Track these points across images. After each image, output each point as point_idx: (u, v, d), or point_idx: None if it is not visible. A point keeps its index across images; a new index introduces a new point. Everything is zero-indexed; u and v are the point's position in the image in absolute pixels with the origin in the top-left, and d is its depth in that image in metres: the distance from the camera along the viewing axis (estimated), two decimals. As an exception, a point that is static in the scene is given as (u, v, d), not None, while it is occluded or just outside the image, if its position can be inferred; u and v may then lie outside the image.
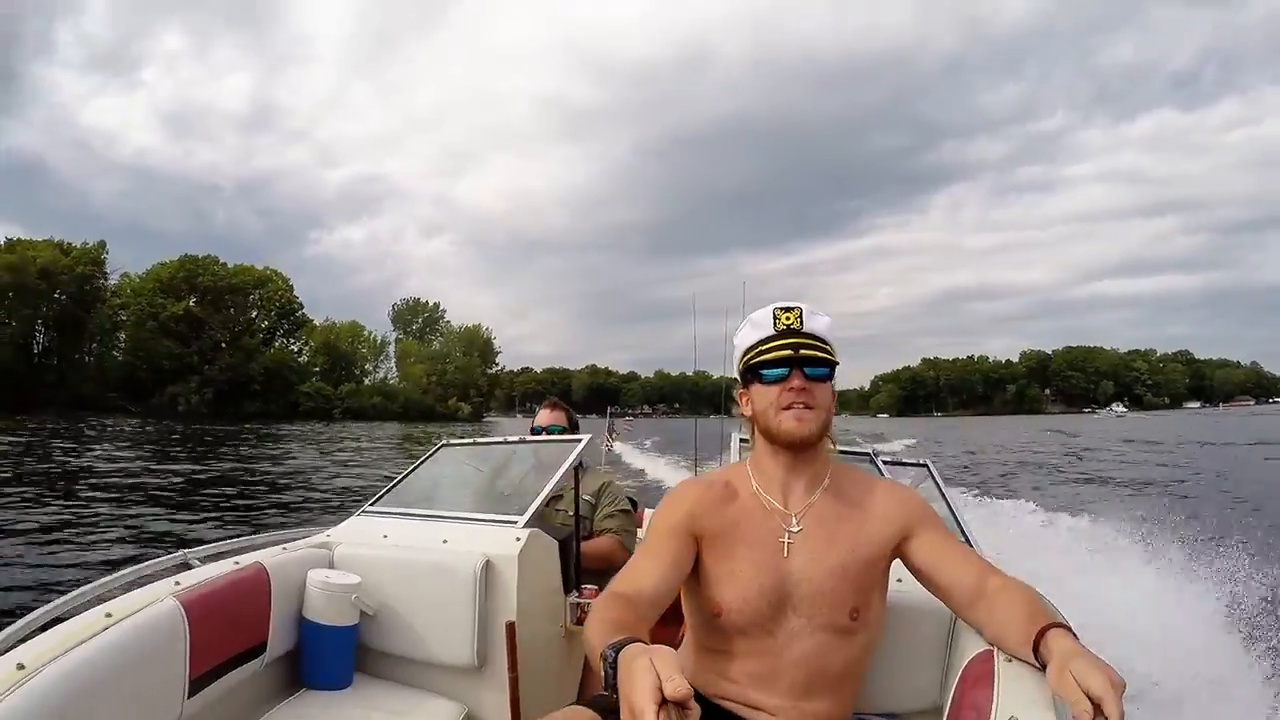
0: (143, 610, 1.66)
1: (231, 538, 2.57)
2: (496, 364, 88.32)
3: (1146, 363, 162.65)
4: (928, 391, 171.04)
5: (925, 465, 2.99)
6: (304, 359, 68.98)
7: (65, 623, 1.58)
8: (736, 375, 1.60)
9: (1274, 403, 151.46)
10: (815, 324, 1.51)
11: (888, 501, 1.54)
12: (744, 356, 1.54)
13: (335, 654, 2.22)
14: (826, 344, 1.50)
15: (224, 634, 1.89)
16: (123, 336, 56.88)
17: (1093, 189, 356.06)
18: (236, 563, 2.10)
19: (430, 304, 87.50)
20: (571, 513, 2.64)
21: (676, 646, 1.67)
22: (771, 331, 1.49)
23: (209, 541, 2.47)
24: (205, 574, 1.98)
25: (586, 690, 2.52)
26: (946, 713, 1.42)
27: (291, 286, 68.40)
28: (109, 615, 1.60)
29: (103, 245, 56.26)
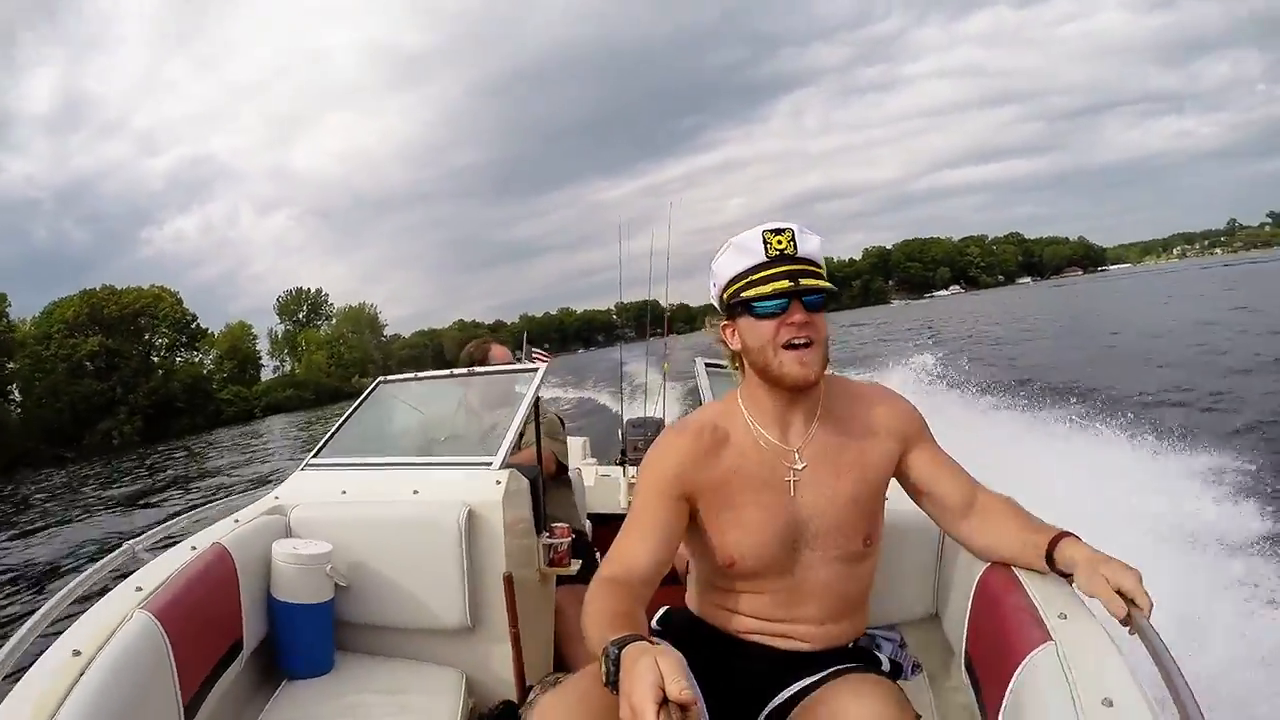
0: (115, 636, 1.38)
1: (171, 517, 2.26)
2: (384, 336, 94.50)
3: (979, 247, 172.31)
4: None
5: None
6: (211, 367, 72.41)
7: (29, 671, 1.28)
8: (715, 304, 1.46)
9: (1101, 271, 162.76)
10: (808, 246, 1.36)
11: (886, 415, 1.46)
12: (729, 286, 1.39)
13: (314, 636, 1.98)
14: (820, 268, 1.37)
15: (203, 638, 1.64)
16: (39, 385, 57.72)
17: (933, 84, 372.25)
18: (193, 547, 1.81)
19: (313, 291, 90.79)
20: (531, 446, 2.47)
21: (679, 604, 1.64)
22: (763, 258, 1.34)
23: (150, 526, 2.12)
24: (163, 568, 1.68)
25: (563, 641, 2.43)
26: (967, 620, 1.45)
27: (181, 300, 71.00)
28: (77, 653, 1.31)
29: (4, 298, 57.41)
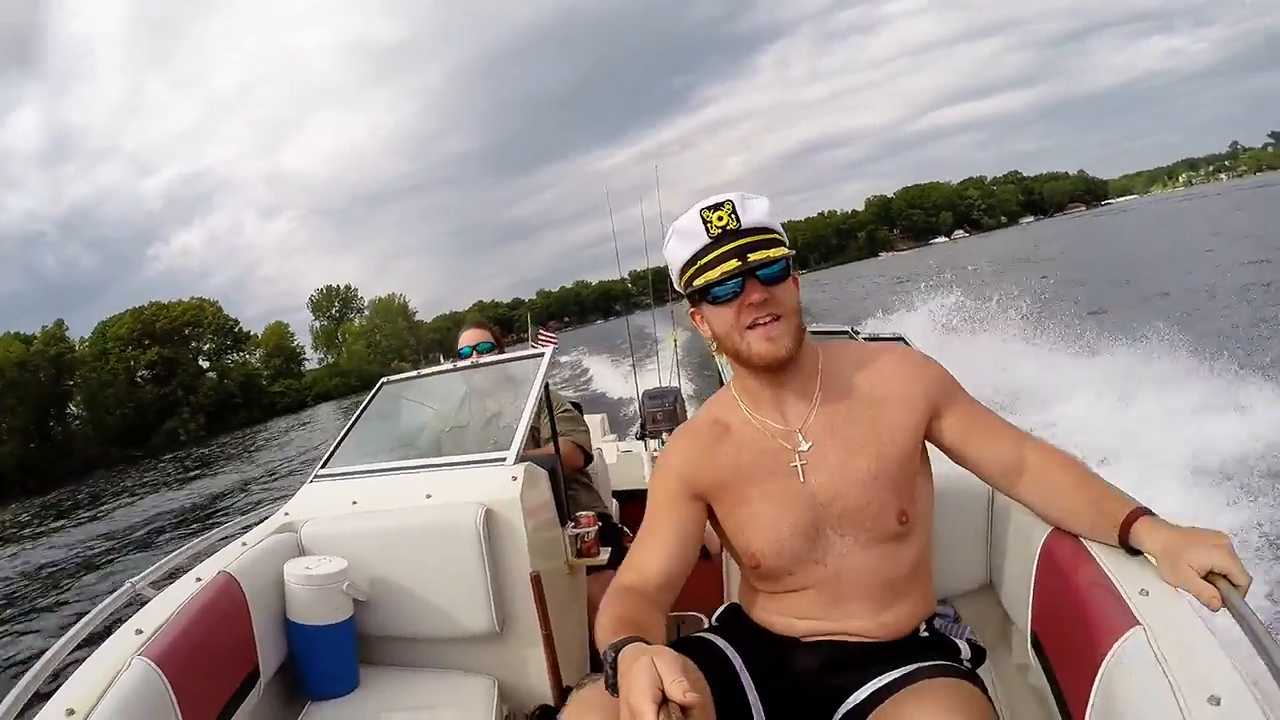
0: (112, 689, 1.29)
1: (173, 550, 2.12)
2: (415, 322, 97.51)
3: (979, 189, 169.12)
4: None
5: (901, 339, 2.86)
6: (258, 365, 76.32)
7: None
8: (680, 292, 1.37)
9: (1106, 204, 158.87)
10: (754, 213, 1.24)
11: (903, 379, 1.31)
12: (682, 275, 1.30)
13: (335, 656, 1.90)
14: (774, 232, 1.26)
15: (211, 677, 1.55)
16: (106, 395, 61.78)
17: (915, 21, 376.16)
18: (198, 579, 1.73)
19: (343, 287, 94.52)
20: (547, 436, 2.41)
21: (717, 580, 1.57)
22: (705, 239, 1.24)
23: (153, 563, 1.97)
24: (166, 606, 1.59)
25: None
26: (1031, 594, 1.35)
27: (220, 308, 75.20)
28: (71, 712, 1.22)
29: (61, 324, 61.60)
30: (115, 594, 1.79)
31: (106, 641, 1.47)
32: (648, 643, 0.98)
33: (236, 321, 75.85)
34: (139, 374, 65.81)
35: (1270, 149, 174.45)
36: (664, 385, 3.90)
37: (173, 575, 1.85)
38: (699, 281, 1.25)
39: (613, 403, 10.26)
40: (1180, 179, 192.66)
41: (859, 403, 1.31)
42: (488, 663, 1.99)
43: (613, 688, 0.95)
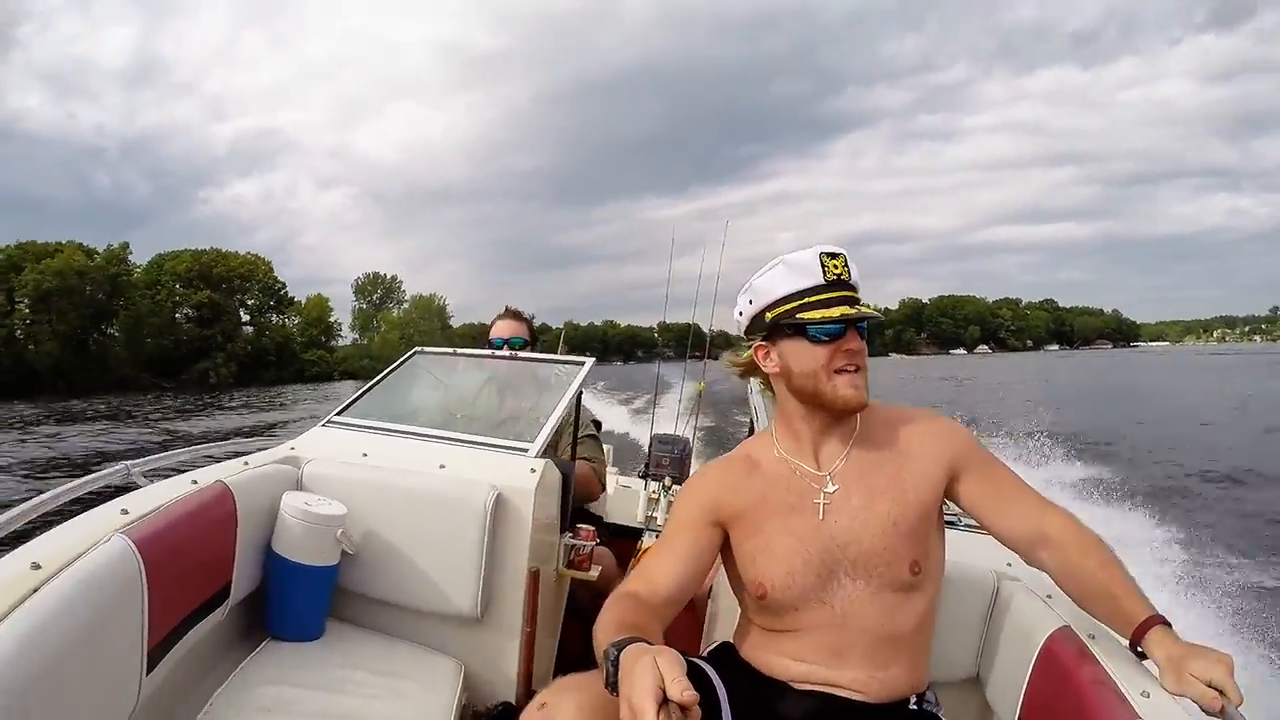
0: (85, 556, 1.19)
1: (180, 447, 2.04)
2: (450, 325, 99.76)
3: (1012, 310, 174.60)
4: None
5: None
6: (294, 332, 78.10)
7: None
8: (745, 323, 1.39)
9: (1134, 346, 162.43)
10: (855, 274, 1.31)
11: (929, 437, 1.36)
12: (777, 305, 1.31)
13: (308, 600, 1.82)
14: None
15: (186, 579, 1.46)
16: (154, 322, 64.38)
17: (992, 139, 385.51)
18: (195, 481, 1.65)
19: (389, 277, 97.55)
20: (567, 444, 2.36)
21: (697, 626, 1.63)
22: (820, 280, 1.28)
23: (153, 453, 1.88)
24: (157, 496, 1.52)
25: (571, 643, 2.29)
26: (1025, 689, 1.33)
27: (272, 269, 77.35)
28: (36, 567, 1.12)
29: (126, 246, 64.02)
30: (108, 469, 1.71)
31: (89, 511, 1.38)
32: (649, 643, 0.98)
33: (284, 285, 77.90)
34: (183, 311, 68.04)
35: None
36: (676, 434, 3.88)
37: (169, 473, 1.76)
38: (803, 316, 1.28)
39: (618, 436, 10.35)
40: (1215, 334, 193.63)
41: (888, 455, 1.35)
42: (458, 647, 1.93)
43: (612, 686, 0.95)
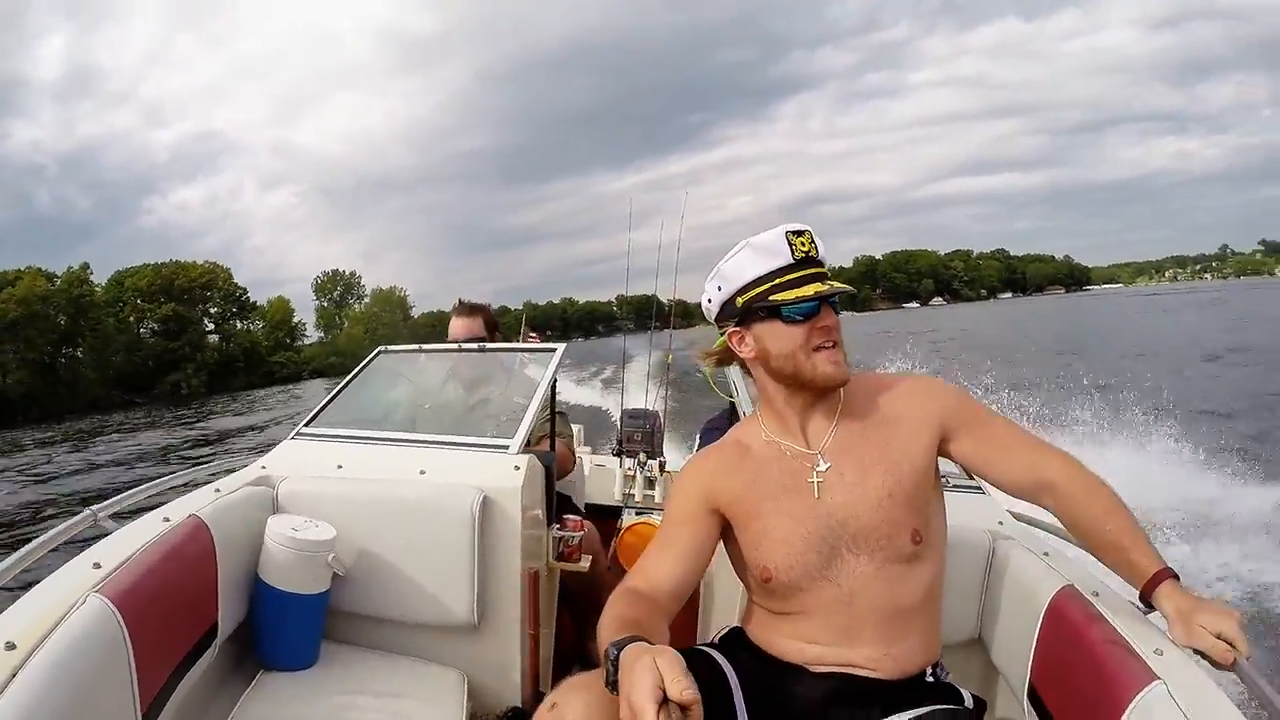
0: (61, 626, 1.11)
1: (140, 482, 1.89)
2: (412, 316, 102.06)
3: (964, 261, 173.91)
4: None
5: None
6: (260, 336, 79.11)
7: None
8: (715, 309, 1.37)
9: (1087, 290, 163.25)
10: (822, 248, 1.30)
11: (914, 400, 1.35)
12: (750, 289, 1.30)
13: (301, 628, 1.75)
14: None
15: (170, 628, 1.39)
16: (120, 339, 64.18)
17: (937, 94, 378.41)
18: (166, 519, 1.55)
19: (348, 273, 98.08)
20: (543, 433, 2.31)
21: (692, 617, 1.55)
22: (789, 260, 1.27)
23: (116, 492, 1.78)
24: (128, 542, 1.43)
25: (564, 634, 2.29)
26: (1034, 648, 1.32)
27: (232, 276, 78.05)
28: (11, 647, 1.04)
29: (86, 267, 63.62)
30: (73, 520, 1.57)
31: (59, 571, 1.29)
32: (650, 643, 0.97)
33: (245, 290, 78.35)
34: (148, 326, 68.15)
35: (1259, 255, 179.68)
36: (645, 408, 3.83)
37: (137, 512, 1.64)
38: (776, 298, 1.26)
39: (587, 409, 10.10)
40: (1167, 274, 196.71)
41: (874, 424, 1.33)
42: (458, 657, 1.88)
43: (613, 685, 0.94)
